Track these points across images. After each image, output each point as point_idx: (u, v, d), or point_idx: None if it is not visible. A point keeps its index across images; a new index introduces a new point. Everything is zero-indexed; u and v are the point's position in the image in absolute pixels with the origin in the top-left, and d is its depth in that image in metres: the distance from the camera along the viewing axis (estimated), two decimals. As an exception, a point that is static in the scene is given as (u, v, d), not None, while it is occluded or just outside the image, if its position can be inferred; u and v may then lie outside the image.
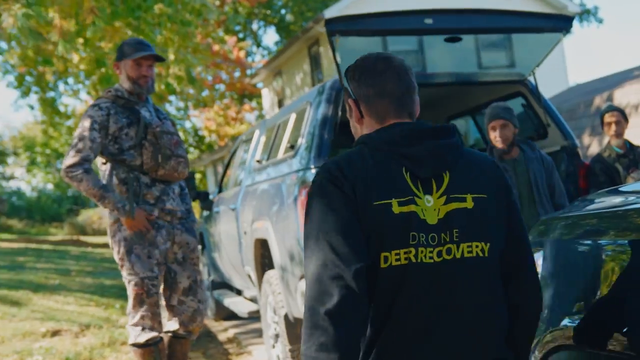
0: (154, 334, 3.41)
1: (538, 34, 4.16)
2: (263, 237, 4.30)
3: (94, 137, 3.35)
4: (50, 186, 37.16)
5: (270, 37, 66.85)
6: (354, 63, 1.65)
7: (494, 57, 4.83)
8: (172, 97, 18.56)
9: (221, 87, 22.54)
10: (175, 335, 3.60)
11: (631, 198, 1.99)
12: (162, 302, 3.60)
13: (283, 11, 26.22)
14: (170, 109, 21.20)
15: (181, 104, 21.97)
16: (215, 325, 6.72)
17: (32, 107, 18.39)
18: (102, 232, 25.65)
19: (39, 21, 6.31)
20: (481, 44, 4.55)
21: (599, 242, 1.78)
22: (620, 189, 2.24)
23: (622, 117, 4.59)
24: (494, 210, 1.54)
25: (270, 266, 4.47)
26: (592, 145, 8.34)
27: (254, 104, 24.38)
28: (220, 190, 6.57)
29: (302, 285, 3.70)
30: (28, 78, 14.97)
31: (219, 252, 6.06)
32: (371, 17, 3.98)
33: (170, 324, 3.59)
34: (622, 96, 8.02)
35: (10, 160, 35.14)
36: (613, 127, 4.57)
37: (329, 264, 1.40)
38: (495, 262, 1.53)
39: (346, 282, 1.38)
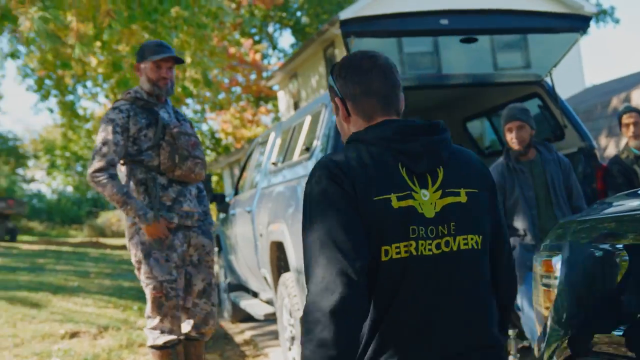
0: (172, 336, 3.41)
1: (554, 34, 4.12)
2: (279, 239, 4.30)
3: (117, 140, 3.36)
4: (70, 188, 37.62)
5: (286, 39, 67.15)
6: (339, 62, 1.68)
7: (510, 58, 4.80)
8: (188, 100, 18.68)
9: (237, 89, 22.66)
10: (187, 337, 3.61)
11: (650, 200, 1.95)
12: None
13: (299, 13, 26.28)
14: (187, 111, 21.32)
15: (198, 107, 22.11)
16: (231, 328, 6.74)
17: (51, 111, 18.63)
18: (121, 234, 25.89)
19: (56, 24, 6.36)
20: (496, 44, 4.52)
21: (618, 246, 1.75)
22: None
23: (641, 117, 4.53)
24: (485, 205, 1.61)
25: (286, 269, 4.47)
26: (609, 147, 8.24)
27: (270, 106, 24.44)
28: (236, 193, 6.59)
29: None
30: (47, 82, 15.15)
31: (236, 255, 6.08)
32: (386, 18, 3.96)
33: (183, 326, 3.60)
34: (641, 96, 7.92)
35: (30, 163, 35.57)
36: (631, 128, 4.51)
37: (332, 261, 1.41)
38: (486, 254, 1.60)
39: (350, 279, 1.40)
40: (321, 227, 1.45)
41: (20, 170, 34.49)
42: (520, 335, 3.90)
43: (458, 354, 1.52)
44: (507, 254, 1.71)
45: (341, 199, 1.46)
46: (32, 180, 37.44)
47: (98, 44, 8.66)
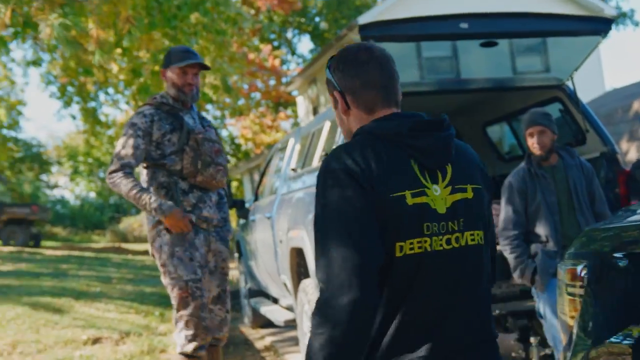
0: (200, 342, 3.40)
1: (575, 37, 4.07)
2: (298, 245, 4.30)
3: (138, 144, 3.38)
4: (92, 194, 38.06)
5: (305, 45, 67.29)
6: (335, 55, 1.67)
7: (529, 61, 4.74)
8: (208, 106, 18.79)
9: (257, 95, 22.77)
10: None
11: (676, 207, 1.92)
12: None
13: (317, 19, 26.35)
14: (207, 117, 21.46)
15: (218, 113, 22.22)
16: (252, 333, 6.74)
17: (74, 117, 18.81)
18: (143, 239, 26.10)
19: (77, 31, 6.43)
20: (516, 48, 4.47)
21: (642, 253, 1.72)
22: (665, 197, 2.17)
23: (665, 121, 4.46)
24: (485, 200, 1.64)
25: (306, 275, 4.46)
26: (630, 151, 8.12)
27: (289, 111, 24.52)
28: (256, 199, 6.61)
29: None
30: (70, 88, 15.33)
31: (256, 261, 6.09)
32: (405, 22, 3.92)
33: None
34: (665, 99, 7.79)
35: (54, 169, 36.04)
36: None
37: (348, 259, 1.40)
38: (487, 249, 1.62)
39: (364, 278, 1.39)
40: (338, 222, 1.43)
41: (44, 177, 34.95)
42: (543, 343, 3.85)
43: (467, 347, 1.53)
44: (492, 246, 1.74)
45: (358, 195, 1.45)
46: (56, 186, 37.96)
47: (118, 50, 8.74)
